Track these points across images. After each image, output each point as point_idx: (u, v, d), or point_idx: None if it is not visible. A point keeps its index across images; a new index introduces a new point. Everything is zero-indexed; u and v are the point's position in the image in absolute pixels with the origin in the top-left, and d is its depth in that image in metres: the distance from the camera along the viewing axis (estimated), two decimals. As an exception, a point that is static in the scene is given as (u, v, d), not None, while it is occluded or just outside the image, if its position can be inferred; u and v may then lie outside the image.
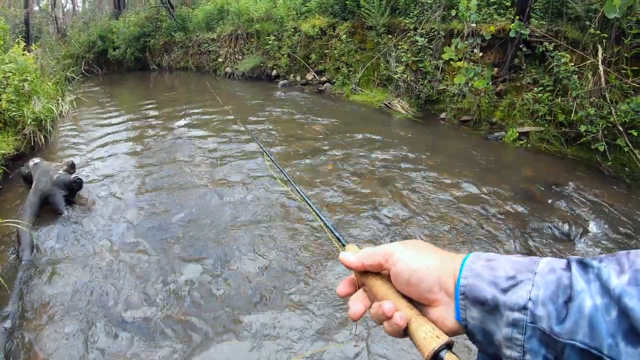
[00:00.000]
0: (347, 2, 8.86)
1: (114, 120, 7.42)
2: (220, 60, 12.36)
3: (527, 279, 0.42)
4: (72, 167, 4.22)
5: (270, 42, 10.40)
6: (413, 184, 4.06)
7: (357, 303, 0.55)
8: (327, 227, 0.68)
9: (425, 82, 7.23)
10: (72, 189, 3.93)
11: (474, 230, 3.24)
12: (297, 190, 0.84)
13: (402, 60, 7.50)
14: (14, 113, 5.40)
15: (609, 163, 4.65)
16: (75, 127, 7.08)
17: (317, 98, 8.55)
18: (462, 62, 6.21)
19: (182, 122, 6.89)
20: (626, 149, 4.58)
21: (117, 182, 4.40)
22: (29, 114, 5.51)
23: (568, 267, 0.41)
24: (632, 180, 4.30)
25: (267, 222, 3.39)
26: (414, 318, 0.49)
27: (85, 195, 4.12)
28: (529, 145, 5.41)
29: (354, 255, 0.55)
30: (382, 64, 7.99)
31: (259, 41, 11.07)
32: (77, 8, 28.54)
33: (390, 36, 7.99)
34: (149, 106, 8.54)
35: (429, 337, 0.47)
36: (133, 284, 2.72)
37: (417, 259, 0.50)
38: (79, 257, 3.07)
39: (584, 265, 0.40)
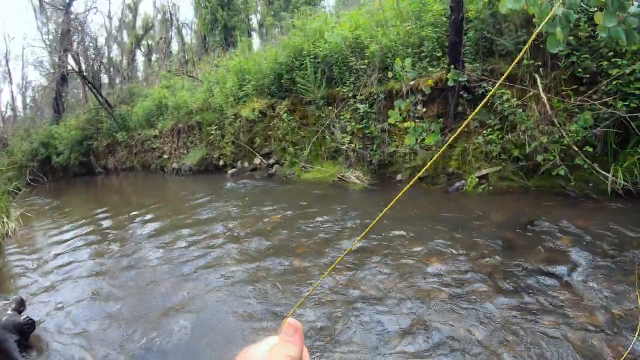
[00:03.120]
0: (282, 81, 8.83)
1: (65, 236, 6.81)
2: (165, 156, 12.01)
3: None
4: (21, 305, 3.71)
5: (212, 132, 10.19)
6: (388, 265, 3.74)
7: None
8: None
9: (375, 147, 7.10)
10: (24, 331, 3.42)
11: (465, 302, 2.97)
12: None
13: (347, 129, 7.37)
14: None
15: (572, 184, 4.73)
16: (23, 248, 6.44)
17: (269, 183, 8.25)
18: (408, 121, 6.12)
19: (137, 231, 6.37)
20: (586, 166, 4.66)
21: (75, 315, 3.86)
22: None
23: None
24: (597, 193, 4.44)
25: None
26: None
27: (41, 334, 3.58)
28: (491, 187, 5.35)
29: None
30: (327, 137, 7.84)
31: (201, 132, 10.83)
32: (18, 114, 27.99)
33: (330, 107, 7.91)
34: (101, 215, 8.00)
35: None
36: None
37: None
38: None
39: None
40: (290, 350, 0.52)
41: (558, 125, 5.00)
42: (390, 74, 6.62)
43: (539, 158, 4.98)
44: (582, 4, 4.07)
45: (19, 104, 29.07)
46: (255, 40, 21.76)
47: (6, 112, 26.65)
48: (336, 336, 2.89)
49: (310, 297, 3.43)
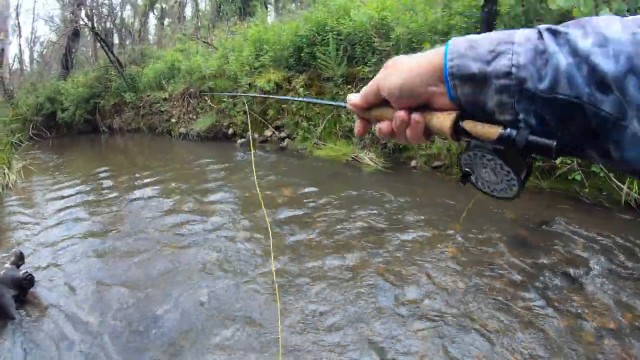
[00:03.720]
0: (302, 55, 8.59)
1: (66, 193, 6.71)
2: (173, 120, 11.79)
3: (507, 49, 0.46)
4: (20, 259, 3.64)
5: (224, 99, 9.97)
6: (407, 249, 3.68)
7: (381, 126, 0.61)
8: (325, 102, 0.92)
9: (390, 130, 6.94)
10: (22, 287, 3.34)
11: (483, 291, 2.99)
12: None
13: (365, 110, 7.20)
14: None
15: (586, 190, 4.68)
16: (23, 202, 6.34)
17: (280, 156, 8.08)
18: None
19: (140, 193, 6.23)
20: (602, 174, 4.60)
21: (74, 273, 3.76)
22: None
23: (541, 35, 0.45)
24: (610, 202, 4.44)
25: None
26: (426, 116, 0.55)
27: (38, 291, 3.48)
28: None
29: (355, 97, 0.62)
30: (343, 116, 7.66)
31: (213, 99, 10.61)
32: (25, 68, 27.63)
33: (349, 86, 7.72)
34: (103, 174, 7.86)
35: (442, 117, 0.53)
36: None
37: (399, 75, 0.54)
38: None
39: (553, 32, 0.44)
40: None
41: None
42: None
43: (557, 160, 4.83)
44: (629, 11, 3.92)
45: (26, 58, 28.69)
46: (271, 13, 21.35)
47: (13, 65, 26.26)
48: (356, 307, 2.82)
49: (328, 276, 3.34)
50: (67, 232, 4.82)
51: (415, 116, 0.55)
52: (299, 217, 4.64)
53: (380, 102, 0.59)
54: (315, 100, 0.93)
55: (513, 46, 0.46)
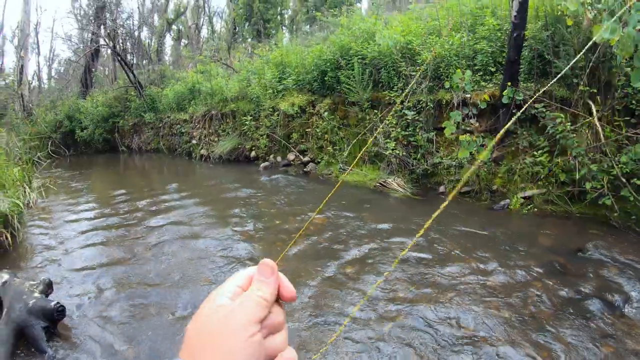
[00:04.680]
0: (326, 79, 8.58)
1: (87, 215, 6.61)
2: (194, 142, 11.81)
3: None
4: (49, 287, 3.44)
5: (247, 122, 9.96)
6: (442, 281, 3.57)
7: None
8: None
9: (419, 156, 6.86)
10: (54, 318, 3.10)
11: (525, 322, 2.92)
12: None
13: (392, 135, 7.13)
14: (-25, 210, 4.56)
15: (616, 215, 4.67)
16: (44, 222, 6.20)
17: (305, 181, 7.99)
18: (464, 134, 5.92)
19: (164, 216, 6.12)
20: (631, 199, 4.56)
21: (104, 303, 3.60)
22: None
23: None
24: None
25: None
26: None
27: (69, 322, 3.29)
28: (535, 209, 5.23)
29: None
30: (369, 140, 7.59)
31: (235, 121, 10.62)
32: (43, 85, 28.14)
33: (375, 111, 7.67)
34: (123, 197, 7.76)
35: None
36: None
37: None
38: None
39: None
40: (264, 292, 0.47)
41: (609, 155, 4.93)
42: (447, 85, 6.38)
43: (588, 185, 4.87)
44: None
45: (44, 75, 29.28)
46: (285, 35, 21.66)
47: (32, 82, 26.74)
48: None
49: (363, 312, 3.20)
50: (92, 258, 4.69)
51: None
52: (331, 245, 4.53)
53: None
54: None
55: None
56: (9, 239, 4.75)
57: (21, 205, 5.44)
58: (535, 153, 5.50)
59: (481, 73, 6.63)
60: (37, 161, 9.51)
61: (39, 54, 29.11)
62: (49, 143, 15.77)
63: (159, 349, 2.93)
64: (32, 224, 6.10)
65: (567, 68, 1.47)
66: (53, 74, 30.26)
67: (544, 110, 5.48)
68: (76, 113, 16.25)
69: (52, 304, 3.14)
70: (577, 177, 5.00)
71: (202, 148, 11.47)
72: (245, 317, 0.44)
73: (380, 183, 6.96)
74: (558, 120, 5.23)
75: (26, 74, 23.57)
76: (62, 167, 12.79)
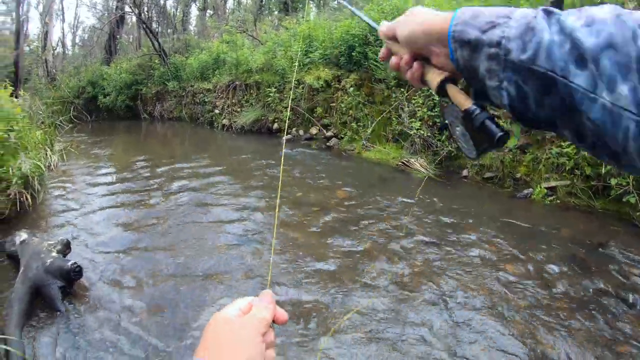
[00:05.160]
0: (353, 54, 8.44)
1: (107, 179, 6.72)
2: (216, 111, 11.82)
3: (503, 22, 0.51)
4: (67, 247, 3.48)
5: (271, 94, 9.90)
6: (463, 264, 3.54)
7: (392, 59, 0.69)
8: (359, 15, 0.89)
9: (444, 137, 6.74)
10: (70, 278, 3.12)
11: (542, 310, 2.90)
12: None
13: (417, 115, 7.01)
14: (-3, 170, 4.63)
15: (639, 214, 4.53)
16: (64, 185, 6.29)
17: (328, 155, 7.95)
18: (492, 120, 5.78)
19: (182, 184, 6.16)
20: None
21: (122, 264, 3.63)
22: (15, 172, 4.72)
23: (536, 14, 0.49)
24: None
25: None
26: (425, 67, 0.63)
27: (86, 282, 3.31)
28: (558, 200, 5.11)
29: (384, 26, 0.70)
30: (394, 119, 7.49)
31: (259, 93, 10.57)
32: (67, 52, 28.38)
33: (402, 89, 7.54)
34: (143, 163, 7.83)
35: (434, 75, 0.61)
36: None
37: (412, 26, 0.61)
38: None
39: (548, 13, 0.48)
40: (265, 314, 0.60)
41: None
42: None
43: (613, 181, 4.71)
44: None
45: (68, 42, 29.48)
46: (313, 9, 21.32)
47: (56, 48, 26.97)
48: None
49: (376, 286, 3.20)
50: (111, 221, 4.73)
51: (416, 64, 0.64)
52: (350, 221, 4.51)
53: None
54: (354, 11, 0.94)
55: (509, 20, 0.50)
56: (29, 199, 4.82)
57: (42, 167, 5.53)
58: (562, 144, 5.35)
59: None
60: (59, 125, 9.64)
61: (63, 20, 29.31)
62: (72, 108, 15.93)
63: (175, 311, 2.96)
64: (52, 185, 6.19)
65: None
66: (77, 40, 30.47)
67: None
68: (99, 79, 16.35)
69: (69, 263, 3.14)
70: (603, 171, 4.87)
71: (224, 118, 11.49)
72: (254, 330, 0.57)
73: (402, 162, 6.88)
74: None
75: (51, 40, 23.77)
76: (84, 132, 12.95)
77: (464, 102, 0.56)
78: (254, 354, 0.55)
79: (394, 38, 0.67)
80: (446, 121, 0.64)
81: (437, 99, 6.85)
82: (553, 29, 0.47)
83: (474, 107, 0.55)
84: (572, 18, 0.46)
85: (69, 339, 2.69)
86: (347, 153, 7.98)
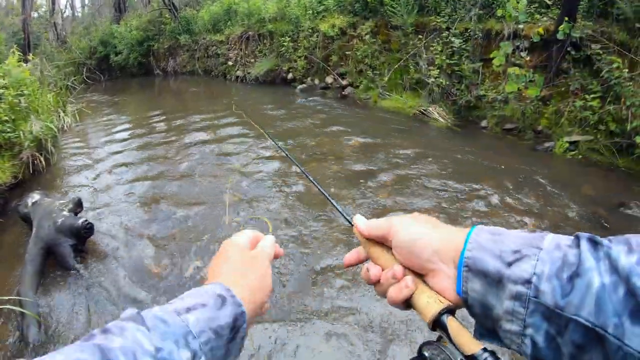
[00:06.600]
0: (369, 0, 8.16)
1: (120, 136, 6.75)
2: (230, 63, 11.65)
3: (532, 254, 0.42)
4: (79, 206, 3.49)
5: (285, 43, 9.69)
6: (479, 215, 3.55)
7: (370, 268, 0.55)
8: (333, 204, 0.72)
9: (463, 87, 6.57)
10: (81, 235, 3.14)
11: None
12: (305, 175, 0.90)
13: (436, 62, 6.82)
14: (9, 134, 4.73)
15: None
16: (78, 145, 6.36)
17: (343, 105, 7.85)
18: (514, 67, 5.59)
19: (197, 137, 6.15)
20: None
21: (133, 221, 3.66)
22: (26, 135, 4.84)
23: (576, 244, 0.41)
24: None
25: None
26: (419, 286, 0.50)
27: (97, 239, 3.35)
28: (580, 156, 4.98)
29: (362, 222, 0.58)
30: (411, 67, 7.30)
31: (273, 42, 10.37)
32: (76, 14, 27.97)
33: (419, 36, 7.31)
34: (158, 118, 7.84)
35: (432, 301, 0.48)
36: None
37: (418, 231, 0.52)
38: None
39: (594, 243, 0.40)
40: (270, 249, 0.66)
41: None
42: (500, 13, 5.96)
43: (638, 139, 4.51)
44: None
45: (77, 3, 28.98)
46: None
47: (65, 10, 26.55)
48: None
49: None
50: (123, 178, 4.75)
51: (409, 280, 0.51)
52: (365, 169, 4.49)
53: (383, 243, 0.56)
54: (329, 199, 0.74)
55: (540, 252, 0.42)
56: (43, 162, 4.89)
57: (54, 129, 5.57)
58: (586, 97, 5.15)
59: (536, 5, 6.19)
60: (72, 87, 9.62)
61: (71, -18, 28.64)
62: (84, 69, 15.84)
63: (188, 264, 2.99)
64: (66, 146, 6.23)
65: None
66: (86, 1, 29.92)
67: (600, 52, 5.08)
68: (110, 38, 16.14)
69: (80, 221, 3.16)
70: (629, 128, 4.68)
71: (237, 69, 11.35)
72: (266, 257, 0.64)
73: (420, 111, 6.77)
74: (615, 65, 4.84)
75: (59, 3, 23.35)
76: (98, 91, 12.95)
77: (470, 344, 0.45)
78: (269, 281, 0.61)
79: (376, 239, 0.56)
80: None
81: (458, 46, 6.69)
82: (602, 266, 0.38)
83: (486, 354, 0.43)
84: (622, 251, 0.37)
85: (83, 295, 2.73)
86: (362, 102, 7.86)
